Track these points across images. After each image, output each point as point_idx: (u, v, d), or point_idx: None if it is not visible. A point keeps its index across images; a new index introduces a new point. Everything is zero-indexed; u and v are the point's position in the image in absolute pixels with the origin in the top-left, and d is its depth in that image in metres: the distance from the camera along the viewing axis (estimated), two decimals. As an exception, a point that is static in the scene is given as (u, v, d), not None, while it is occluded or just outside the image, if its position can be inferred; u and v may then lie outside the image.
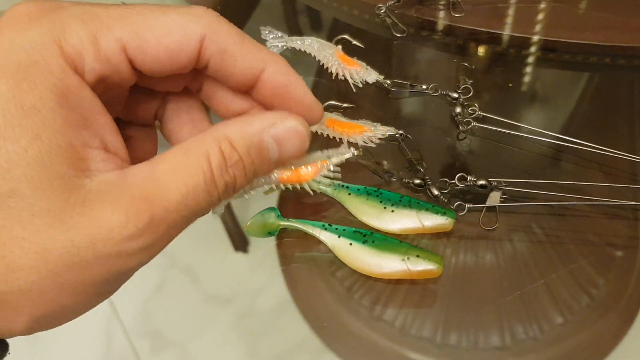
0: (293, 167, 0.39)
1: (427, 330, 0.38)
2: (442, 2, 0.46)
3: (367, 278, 0.39)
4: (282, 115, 0.21)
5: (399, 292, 0.39)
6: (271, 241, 0.42)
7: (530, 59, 0.47)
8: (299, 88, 0.22)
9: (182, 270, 0.47)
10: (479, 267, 0.40)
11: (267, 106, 0.22)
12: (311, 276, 0.41)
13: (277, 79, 0.21)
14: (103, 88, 0.19)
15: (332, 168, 0.39)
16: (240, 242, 0.42)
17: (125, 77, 0.19)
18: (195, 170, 0.18)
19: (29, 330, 0.18)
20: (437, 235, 0.39)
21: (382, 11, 0.46)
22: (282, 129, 0.20)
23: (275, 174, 0.39)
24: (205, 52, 0.20)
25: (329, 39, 0.46)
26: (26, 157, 0.16)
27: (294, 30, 0.78)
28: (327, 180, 0.40)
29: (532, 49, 0.46)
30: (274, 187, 0.38)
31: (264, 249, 0.42)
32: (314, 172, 0.39)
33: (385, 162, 0.40)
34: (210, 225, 0.41)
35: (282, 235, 0.41)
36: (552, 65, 0.48)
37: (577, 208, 0.40)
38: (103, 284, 0.18)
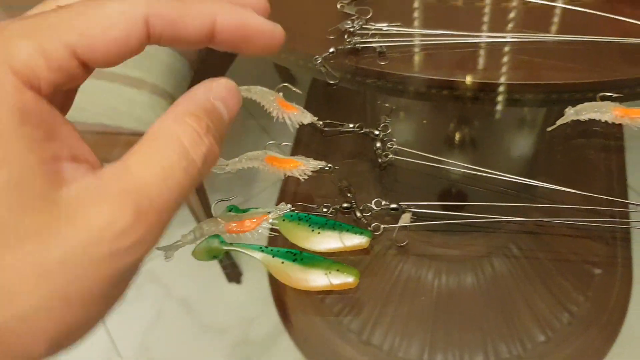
0: (239, 220, 0.45)
1: (414, 352, 0.41)
2: (371, 52, 0.53)
3: (355, 302, 0.41)
4: (210, 80, 0.21)
5: (386, 315, 0.42)
6: (262, 271, 0.43)
7: (448, 98, 0.53)
8: (254, 19, 0.22)
9: (178, 302, 0.48)
10: (462, 289, 0.43)
11: (232, 48, 0.23)
12: (302, 303, 0.43)
13: (231, 22, 0.21)
14: (59, 95, 0.20)
15: (271, 221, 0.45)
16: (233, 273, 0.44)
17: (79, 78, 0.19)
18: (166, 151, 0.18)
19: (51, 352, 0.17)
20: (404, 251, 0.43)
21: (319, 62, 0.53)
22: (219, 88, 0.21)
23: (223, 224, 0.45)
24: (155, 29, 0.20)
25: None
26: None
27: (284, 73, 0.85)
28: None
29: (451, 89, 0.53)
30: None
31: (256, 278, 0.44)
32: (257, 224, 0.45)
33: (352, 189, 0.46)
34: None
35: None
36: (464, 102, 0.54)
37: (553, 228, 0.43)
38: (107, 289, 0.17)
